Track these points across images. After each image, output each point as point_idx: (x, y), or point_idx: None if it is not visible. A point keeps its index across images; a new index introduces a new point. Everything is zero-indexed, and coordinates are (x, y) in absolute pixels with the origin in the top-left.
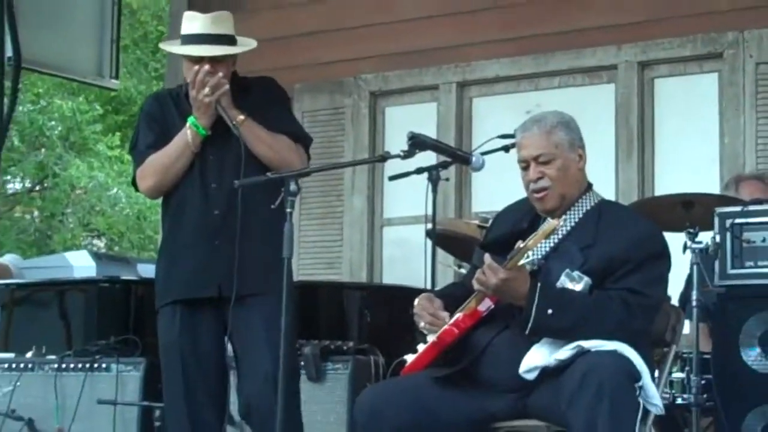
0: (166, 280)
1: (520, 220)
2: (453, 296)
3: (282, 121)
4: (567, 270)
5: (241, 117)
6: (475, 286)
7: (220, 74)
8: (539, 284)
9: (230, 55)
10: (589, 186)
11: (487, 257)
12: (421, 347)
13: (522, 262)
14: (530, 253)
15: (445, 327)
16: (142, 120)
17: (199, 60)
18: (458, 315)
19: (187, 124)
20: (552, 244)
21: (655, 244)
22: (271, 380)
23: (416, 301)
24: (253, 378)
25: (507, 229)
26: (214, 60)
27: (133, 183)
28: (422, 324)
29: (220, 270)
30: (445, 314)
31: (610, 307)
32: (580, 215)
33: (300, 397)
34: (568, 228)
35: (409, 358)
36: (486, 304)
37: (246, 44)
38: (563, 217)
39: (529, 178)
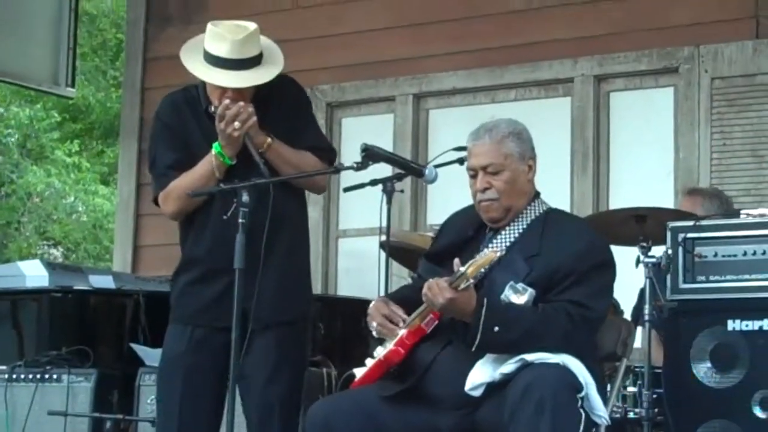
0: (183, 302)
1: (465, 227)
2: (406, 299)
3: (307, 134)
4: (511, 282)
5: (269, 140)
6: (424, 299)
7: (250, 108)
8: (486, 301)
9: None
10: (537, 194)
11: (436, 279)
12: (369, 362)
13: (462, 286)
14: (471, 280)
15: (390, 348)
16: (159, 132)
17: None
18: (403, 332)
19: (212, 152)
20: None
21: (599, 254)
22: (276, 413)
23: (371, 304)
24: (257, 408)
25: (452, 239)
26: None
27: (155, 201)
28: (374, 324)
29: (244, 300)
30: (401, 314)
31: (555, 321)
32: (526, 224)
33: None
34: (514, 238)
35: (358, 372)
36: (431, 321)
37: (274, 61)
38: (501, 237)
39: (476, 188)
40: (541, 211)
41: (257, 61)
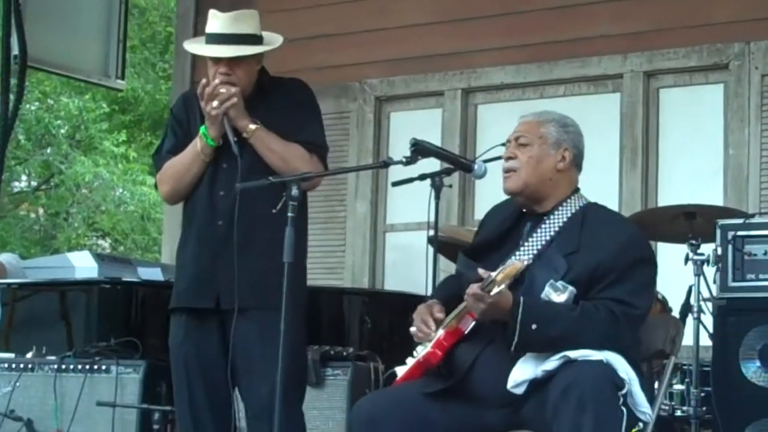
0: (175, 286)
1: (504, 220)
2: (450, 297)
3: (300, 128)
4: (551, 281)
5: (252, 126)
6: (466, 302)
7: (233, 89)
8: (522, 300)
9: (251, 55)
10: (576, 189)
11: (472, 287)
12: (410, 361)
13: (494, 291)
14: (502, 285)
15: (428, 349)
16: (168, 122)
17: (218, 60)
18: (440, 333)
19: (199, 133)
20: (536, 251)
21: (639, 250)
22: (267, 397)
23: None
24: (254, 392)
25: (489, 234)
26: (232, 61)
27: (156, 186)
28: (412, 329)
29: (220, 282)
30: (437, 317)
31: (596, 319)
32: (564, 220)
33: (301, 409)
34: (552, 233)
35: (399, 371)
36: (468, 321)
37: (270, 42)
38: (525, 258)
39: (504, 155)
40: (580, 206)
41: (254, 40)
